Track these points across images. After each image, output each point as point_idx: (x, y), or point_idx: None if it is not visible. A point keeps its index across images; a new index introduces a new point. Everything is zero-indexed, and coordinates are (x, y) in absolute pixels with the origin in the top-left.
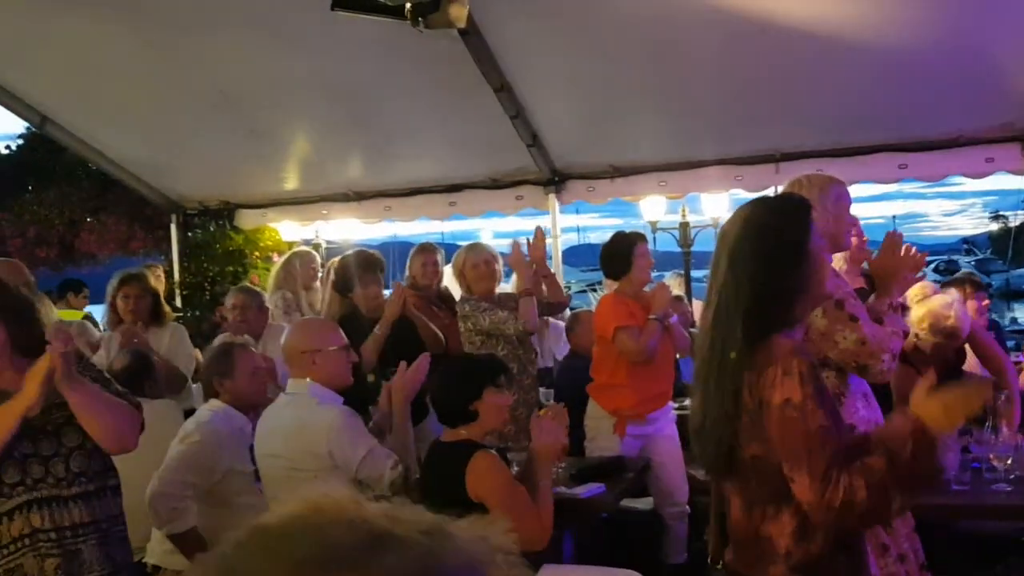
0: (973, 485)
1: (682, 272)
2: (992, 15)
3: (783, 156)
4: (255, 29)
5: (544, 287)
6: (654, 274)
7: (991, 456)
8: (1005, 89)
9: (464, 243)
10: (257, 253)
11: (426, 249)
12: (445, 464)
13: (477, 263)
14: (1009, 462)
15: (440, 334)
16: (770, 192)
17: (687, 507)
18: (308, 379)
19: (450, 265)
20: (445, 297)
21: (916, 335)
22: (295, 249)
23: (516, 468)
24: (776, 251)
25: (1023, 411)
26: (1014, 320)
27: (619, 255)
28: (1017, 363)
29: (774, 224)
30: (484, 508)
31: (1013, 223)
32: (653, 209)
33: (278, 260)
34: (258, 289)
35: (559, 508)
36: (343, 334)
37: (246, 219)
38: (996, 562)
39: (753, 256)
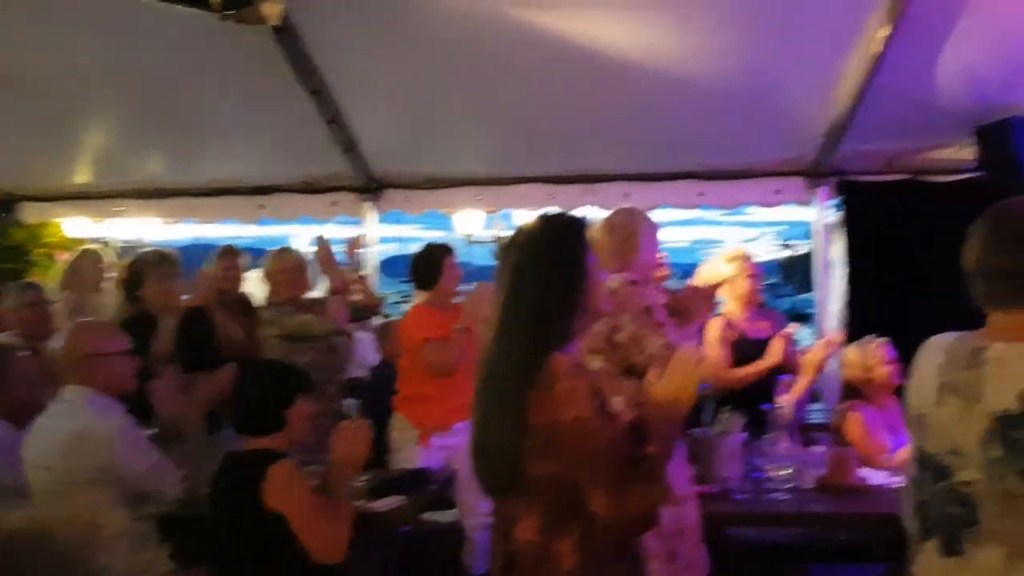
0: (754, 494)
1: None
2: (784, 57)
3: (594, 178)
4: (44, 10)
5: (357, 291)
6: (470, 286)
7: (771, 466)
8: (792, 126)
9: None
10: (41, 250)
11: (228, 252)
12: (240, 474)
13: (284, 268)
14: (786, 472)
15: (241, 340)
16: (582, 212)
17: (490, 518)
18: (86, 386)
19: (257, 270)
20: (245, 303)
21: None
22: (83, 247)
23: (315, 480)
24: (558, 268)
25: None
26: (791, 335)
27: (428, 266)
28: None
29: (555, 242)
30: (280, 520)
31: (800, 252)
32: (469, 222)
33: (64, 258)
34: (41, 286)
35: (357, 521)
36: (126, 338)
37: (30, 213)
38: (777, 568)
39: (536, 273)
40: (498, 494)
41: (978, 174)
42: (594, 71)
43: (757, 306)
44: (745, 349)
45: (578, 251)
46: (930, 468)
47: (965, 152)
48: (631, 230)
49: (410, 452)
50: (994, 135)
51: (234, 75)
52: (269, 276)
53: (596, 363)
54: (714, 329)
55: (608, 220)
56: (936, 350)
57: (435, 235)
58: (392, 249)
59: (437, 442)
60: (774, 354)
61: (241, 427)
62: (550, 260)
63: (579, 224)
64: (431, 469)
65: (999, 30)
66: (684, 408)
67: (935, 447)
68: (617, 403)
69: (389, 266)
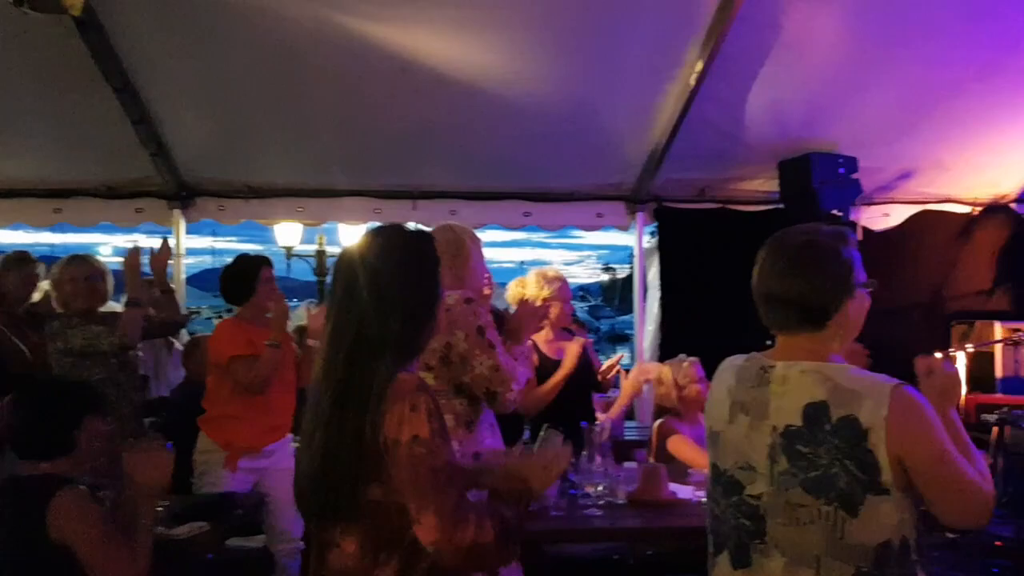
0: (569, 511)
1: (316, 301)
2: (607, 85)
3: (421, 194)
4: None
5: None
6: (290, 303)
7: (585, 483)
8: (615, 153)
9: None
10: None
11: (19, 260)
12: (22, 502)
13: (76, 277)
14: (600, 488)
15: (28, 354)
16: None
17: (301, 543)
18: None
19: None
20: (35, 316)
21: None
22: None
23: (109, 506)
24: (404, 283)
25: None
26: (622, 360)
27: (240, 279)
28: (609, 399)
29: (401, 255)
30: (66, 552)
31: (621, 275)
32: (288, 235)
33: None
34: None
35: (157, 550)
36: None
37: None
38: None
39: (378, 289)
40: (320, 519)
41: (780, 205)
42: (424, 86)
43: (564, 328)
44: (548, 371)
45: (427, 265)
46: (723, 483)
47: (769, 184)
48: (460, 246)
49: (216, 475)
50: (794, 169)
51: (29, 66)
52: (57, 286)
53: (428, 380)
54: None
55: (435, 235)
56: (728, 371)
57: (255, 249)
58: (207, 262)
59: (245, 464)
60: (569, 361)
61: (22, 450)
62: (395, 274)
63: (426, 237)
64: (238, 493)
65: (803, 73)
66: (528, 497)
67: (728, 463)
68: (446, 421)
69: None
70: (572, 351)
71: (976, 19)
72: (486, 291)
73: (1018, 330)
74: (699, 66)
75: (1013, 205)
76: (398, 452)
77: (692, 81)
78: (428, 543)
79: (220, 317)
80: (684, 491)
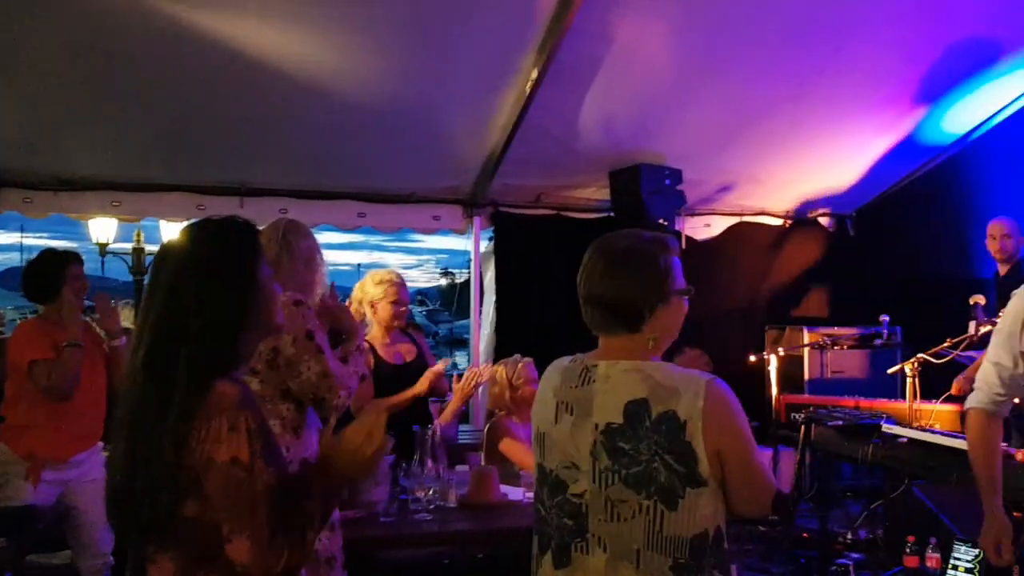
0: (399, 516)
1: (132, 301)
2: (445, 88)
3: (249, 191)
4: None
5: None
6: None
7: (416, 488)
8: (452, 155)
9: None
10: None
11: None
12: None
13: None
14: (431, 492)
15: None
16: None
17: (111, 558)
18: None
19: None
20: None
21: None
22: None
23: None
24: (223, 280)
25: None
26: (455, 365)
27: (45, 276)
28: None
29: (221, 250)
30: None
31: (460, 280)
32: (103, 231)
33: None
34: None
35: None
36: None
37: None
38: None
39: (197, 286)
40: (134, 536)
41: (611, 213)
42: (254, 78)
43: (400, 330)
44: (384, 374)
45: (249, 260)
46: (548, 484)
47: (602, 192)
48: (290, 243)
49: (16, 488)
50: (625, 179)
51: None
52: None
53: (253, 385)
54: None
55: (265, 232)
56: (554, 372)
57: (65, 245)
58: (14, 259)
59: (49, 476)
60: (421, 385)
61: None
62: (213, 272)
63: (250, 230)
64: (40, 506)
65: (633, 86)
66: (364, 465)
67: (553, 463)
68: (272, 427)
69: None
70: (430, 374)
71: (790, 45)
72: (321, 293)
73: (825, 334)
74: (534, 74)
75: (821, 219)
76: (214, 472)
77: (527, 88)
78: (238, 565)
79: (26, 318)
80: (515, 493)
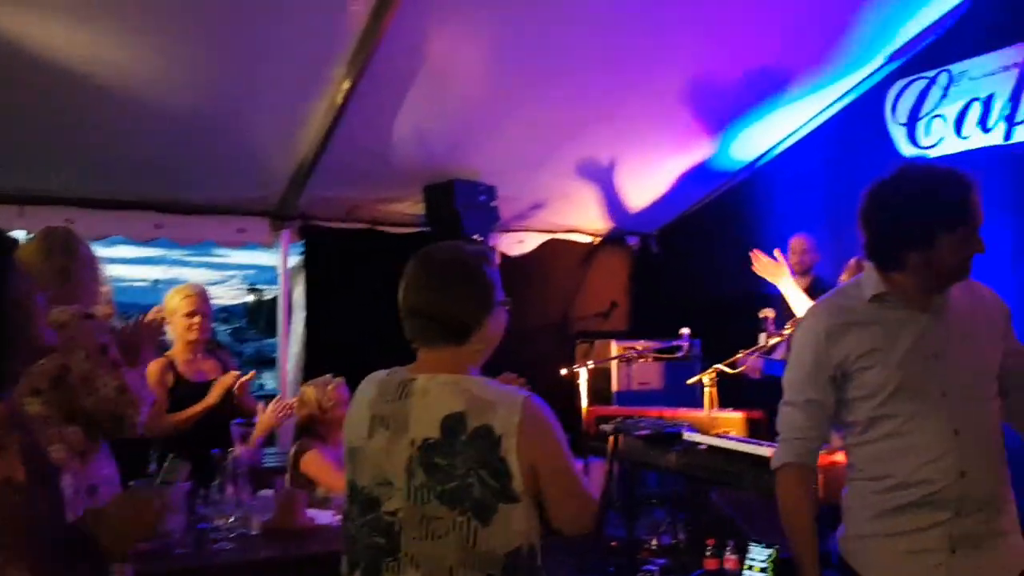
0: (195, 546)
1: None
2: (252, 95)
3: (29, 199)
4: None
5: None
6: None
7: (215, 515)
8: (259, 165)
9: None
10: None
11: None
12: None
13: None
14: (232, 519)
15: None
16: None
17: None
18: None
19: None
20: None
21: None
22: None
23: None
24: None
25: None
26: (261, 387)
27: None
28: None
29: None
30: None
31: (268, 296)
32: None
33: None
34: None
35: None
36: None
37: None
38: None
39: None
40: None
41: (426, 228)
42: (35, 79)
43: (203, 348)
44: (184, 392)
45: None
46: (360, 501)
47: (416, 207)
48: (75, 251)
49: None
50: (439, 194)
51: None
52: None
53: (35, 407)
54: (154, 371)
55: (40, 242)
56: (370, 385)
57: None
58: None
59: None
60: (213, 395)
61: None
62: None
63: (4, 245)
64: None
65: (447, 101)
66: (128, 544)
67: (366, 480)
68: (56, 451)
69: None
70: (220, 384)
71: (600, 68)
72: (104, 310)
73: (631, 348)
74: (346, 85)
75: (628, 237)
76: None
77: (339, 99)
78: None
79: None
80: (324, 517)
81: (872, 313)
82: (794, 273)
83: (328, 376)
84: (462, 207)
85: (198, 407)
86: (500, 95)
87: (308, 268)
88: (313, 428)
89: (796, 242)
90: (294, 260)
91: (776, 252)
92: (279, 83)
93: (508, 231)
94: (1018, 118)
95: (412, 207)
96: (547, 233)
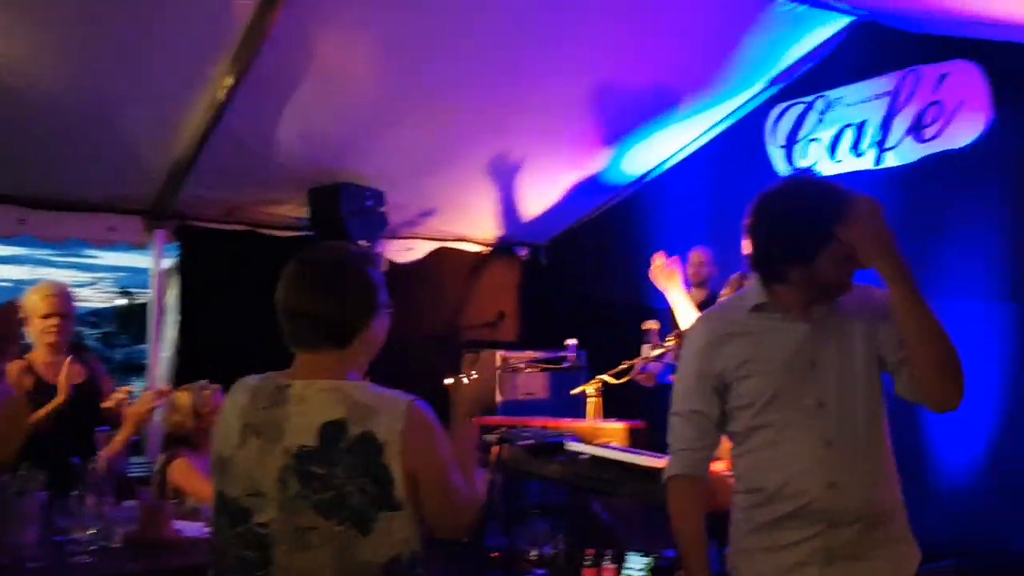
0: (52, 561)
1: None
2: (126, 87)
3: None
4: None
5: None
6: None
7: (74, 527)
8: (132, 162)
9: None
10: None
11: None
12: None
13: None
14: (92, 532)
15: None
16: None
17: None
18: None
19: None
20: None
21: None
22: None
23: None
24: None
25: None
26: (130, 394)
27: None
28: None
29: None
30: None
31: (141, 300)
32: None
33: None
34: None
35: None
36: None
37: None
38: None
39: None
40: None
41: (310, 232)
42: None
43: (66, 351)
44: (45, 396)
45: None
46: (229, 513)
47: (300, 210)
48: None
49: None
50: (325, 197)
51: None
52: None
53: None
54: (12, 373)
55: None
56: (242, 391)
57: None
58: None
59: None
60: (60, 392)
61: None
62: None
63: None
64: None
65: (335, 103)
66: None
67: (236, 490)
68: None
69: None
70: (61, 377)
71: (493, 76)
72: None
73: (517, 358)
74: (228, 81)
75: (517, 247)
76: None
77: (221, 96)
78: None
79: None
80: (192, 529)
81: (753, 323)
82: (690, 284)
83: (204, 382)
84: (348, 212)
85: (49, 406)
86: (391, 98)
87: (183, 271)
88: (185, 436)
89: (695, 255)
90: (168, 262)
91: (674, 260)
92: (158, 75)
93: (396, 238)
94: (888, 144)
95: (296, 210)
96: (436, 241)
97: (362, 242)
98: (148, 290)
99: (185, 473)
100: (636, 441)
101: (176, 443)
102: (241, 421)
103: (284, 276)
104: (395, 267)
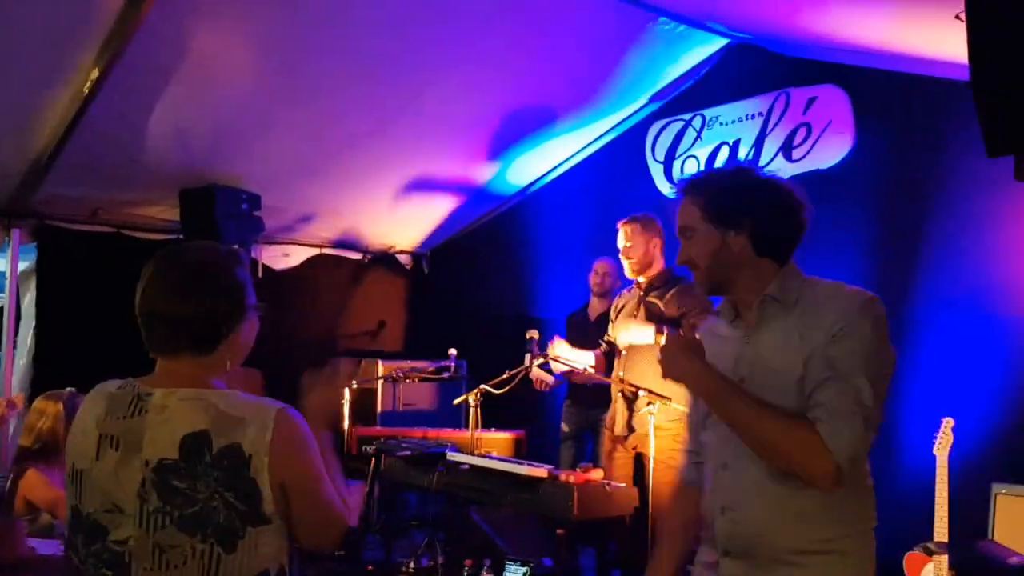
0: None
1: None
2: None
3: None
4: None
5: None
6: None
7: None
8: None
9: None
10: None
11: None
12: None
13: None
14: None
15: None
16: None
17: None
18: None
19: None
20: None
21: None
22: None
23: None
24: None
25: None
26: None
27: None
28: None
29: None
30: None
31: None
32: None
33: None
34: None
35: None
36: None
37: None
38: None
39: None
40: None
41: (181, 235)
42: None
43: None
44: None
45: None
46: (84, 529)
47: (171, 212)
48: None
49: None
50: (197, 199)
51: None
52: None
53: None
54: None
55: None
56: (98, 399)
57: None
58: None
59: None
60: None
61: None
62: None
63: None
64: None
65: (209, 102)
66: None
67: (92, 506)
68: None
69: None
70: None
71: (375, 82)
72: None
73: (398, 368)
74: (95, 73)
75: (400, 255)
76: None
77: (86, 89)
78: None
79: None
80: (47, 546)
81: (716, 328)
82: (592, 294)
83: (71, 389)
84: (222, 215)
85: None
86: (269, 99)
87: (41, 273)
88: (43, 448)
89: (599, 265)
90: (26, 264)
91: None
92: (15, 62)
93: (273, 243)
94: (760, 163)
95: (166, 212)
96: (315, 248)
97: (236, 246)
98: (2, 294)
99: (39, 487)
100: (517, 450)
101: (28, 456)
102: (98, 431)
103: (143, 277)
104: (271, 273)
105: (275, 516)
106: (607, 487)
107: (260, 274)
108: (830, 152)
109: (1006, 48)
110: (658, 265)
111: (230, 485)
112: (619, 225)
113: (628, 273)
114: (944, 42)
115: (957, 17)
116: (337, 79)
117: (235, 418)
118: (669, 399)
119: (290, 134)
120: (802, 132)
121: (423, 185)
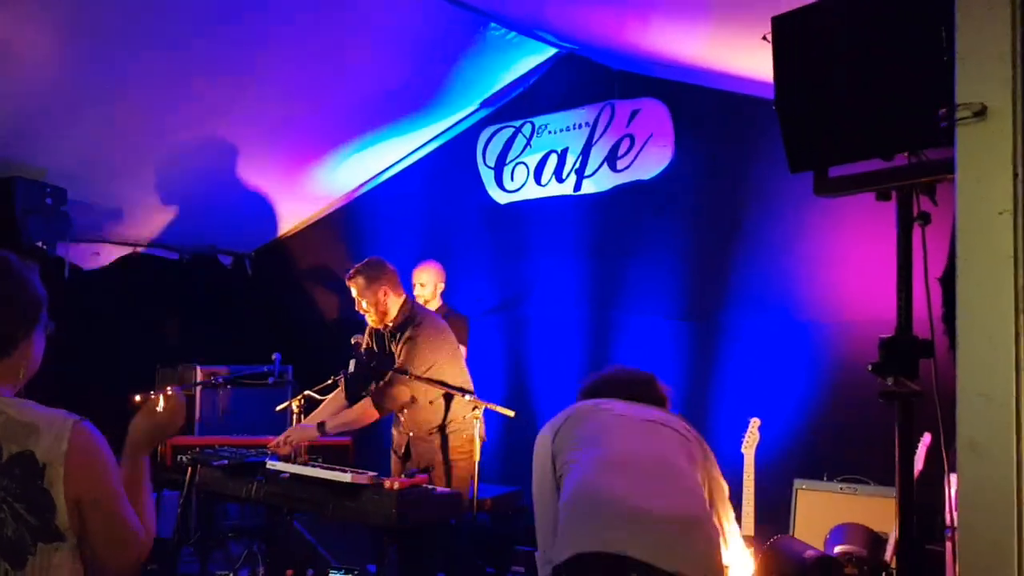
0: None
1: None
2: None
3: None
4: None
5: None
6: None
7: None
8: None
9: None
10: None
11: None
12: None
13: None
14: None
15: None
16: None
17: None
18: None
19: None
20: None
21: None
22: None
23: None
24: None
25: None
26: None
27: None
28: None
29: None
30: None
31: None
32: None
33: None
34: None
35: None
36: None
37: None
38: None
39: None
40: None
41: None
42: None
43: None
44: None
45: None
46: None
47: None
48: None
49: None
50: None
51: None
52: None
53: None
54: None
55: None
56: None
57: None
58: None
59: None
60: None
61: None
62: None
63: None
64: None
65: (9, 87)
66: None
67: None
68: None
69: None
70: None
71: (199, 74)
72: None
73: (218, 373)
74: None
75: (221, 256)
76: None
77: None
78: None
79: None
80: None
81: None
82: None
83: None
84: (24, 210)
85: None
86: (75, 87)
87: None
88: None
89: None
90: None
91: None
92: None
93: (81, 241)
94: (587, 172)
95: None
96: (128, 246)
97: (40, 244)
98: None
99: None
100: (341, 458)
101: None
102: None
103: None
104: (79, 274)
105: (69, 533)
106: (432, 492)
107: (67, 275)
108: (652, 163)
109: (807, 74)
110: (394, 308)
111: (21, 496)
112: (347, 281)
113: (372, 324)
114: (755, 61)
115: (764, 38)
116: (154, 73)
117: (28, 425)
118: None
119: (98, 126)
120: (626, 143)
121: (247, 183)
